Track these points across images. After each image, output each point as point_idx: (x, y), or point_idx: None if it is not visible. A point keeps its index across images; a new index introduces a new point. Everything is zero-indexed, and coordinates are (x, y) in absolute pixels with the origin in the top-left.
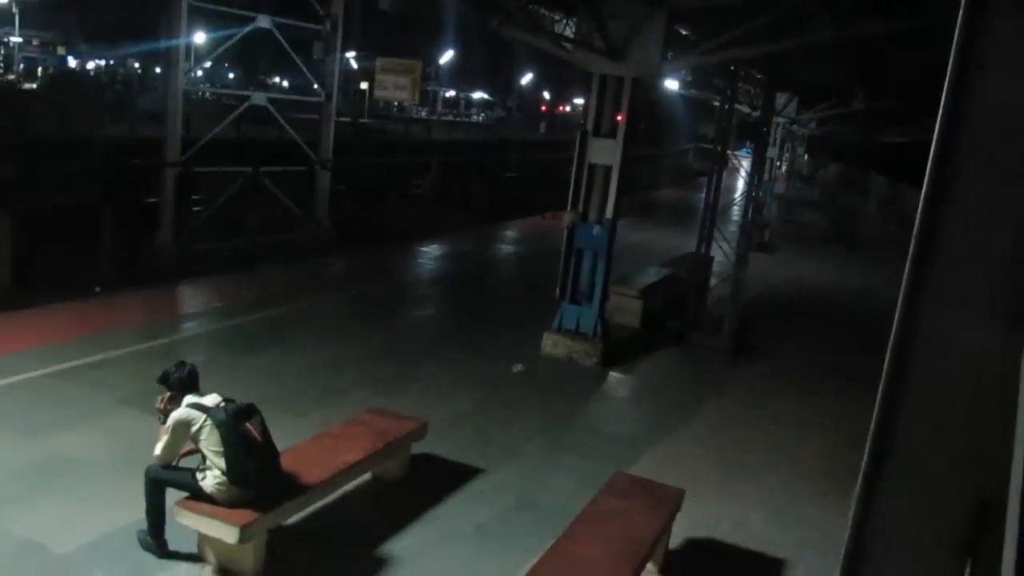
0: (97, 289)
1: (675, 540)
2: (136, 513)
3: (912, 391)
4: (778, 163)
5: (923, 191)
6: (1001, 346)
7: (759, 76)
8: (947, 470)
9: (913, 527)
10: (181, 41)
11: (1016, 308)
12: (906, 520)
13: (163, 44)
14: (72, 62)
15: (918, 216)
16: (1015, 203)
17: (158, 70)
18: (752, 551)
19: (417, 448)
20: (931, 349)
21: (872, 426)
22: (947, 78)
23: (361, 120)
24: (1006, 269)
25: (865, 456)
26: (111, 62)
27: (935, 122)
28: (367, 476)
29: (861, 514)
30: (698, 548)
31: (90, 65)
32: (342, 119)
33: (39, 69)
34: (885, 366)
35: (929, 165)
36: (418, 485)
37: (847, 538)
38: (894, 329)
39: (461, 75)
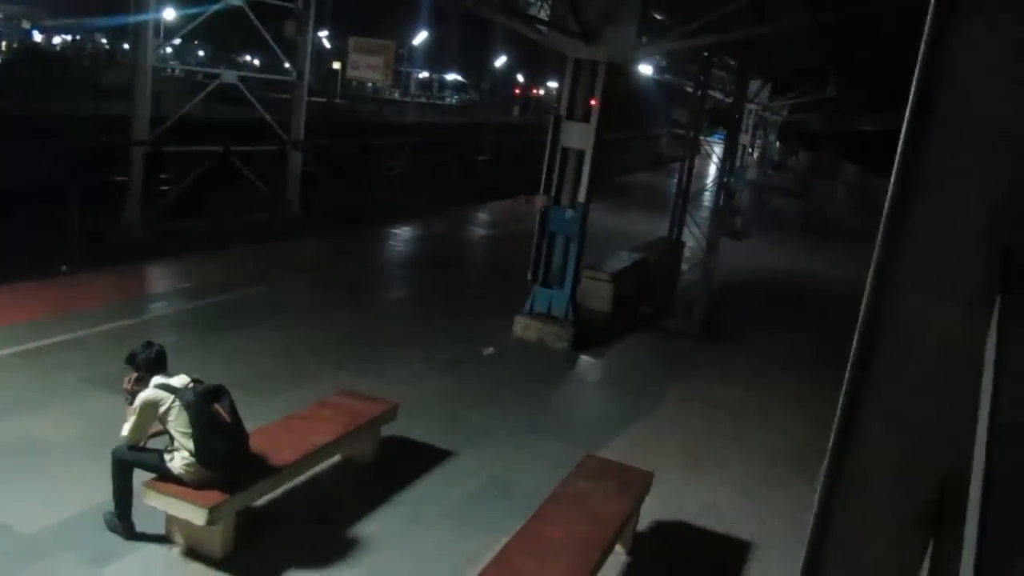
0: (63, 268)
1: (644, 522)
2: (103, 495)
3: (878, 373)
4: (750, 150)
5: (892, 177)
6: (966, 328)
7: (732, 62)
8: (911, 450)
9: (877, 505)
10: (150, 16)
11: (981, 291)
12: (871, 499)
13: (131, 19)
14: (37, 36)
15: (887, 202)
16: (983, 189)
17: (126, 46)
18: (720, 533)
19: (388, 430)
20: (897, 332)
21: (839, 407)
22: (917, 64)
23: (335, 100)
24: (972, 253)
25: (832, 436)
26: (78, 37)
27: (906, 110)
28: (337, 458)
29: (827, 494)
30: (666, 530)
31: (56, 40)
32: (317, 99)
33: (2, 44)
34: (852, 348)
35: (899, 152)
36: (388, 467)
37: (813, 517)
38: (861, 313)
39: (435, 57)
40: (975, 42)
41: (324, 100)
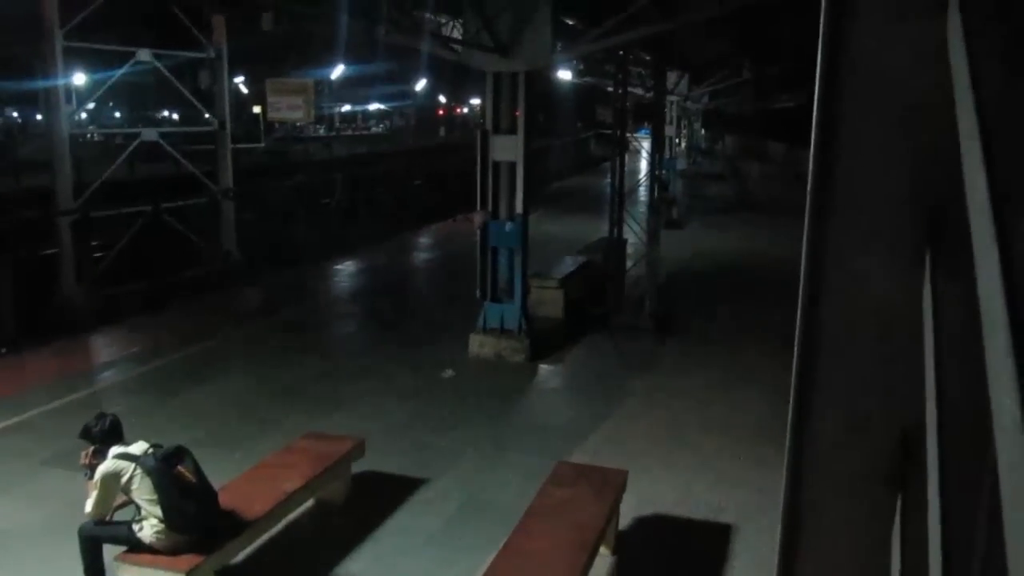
0: (2, 351)
1: (624, 521)
2: (76, 575)
3: (825, 342)
4: (677, 140)
5: (811, 148)
6: (903, 286)
7: (648, 57)
8: (868, 409)
9: (844, 465)
10: (60, 82)
11: (914, 248)
12: (836, 460)
13: (40, 86)
14: None
15: (810, 173)
16: (902, 147)
17: (39, 117)
18: (699, 520)
19: (358, 467)
20: (838, 300)
21: (793, 377)
22: (820, 32)
23: (258, 144)
24: (901, 211)
25: (790, 406)
26: None
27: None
28: (310, 502)
29: (792, 463)
30: (648, 525)
31: None
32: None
33: None
34: (797, 321)
35: (814, 122)
36: (363, 504)
37: (783, 490)
38: (801, 286)
39: (355, 88)
40: (870, 10)
41: (250, 146)
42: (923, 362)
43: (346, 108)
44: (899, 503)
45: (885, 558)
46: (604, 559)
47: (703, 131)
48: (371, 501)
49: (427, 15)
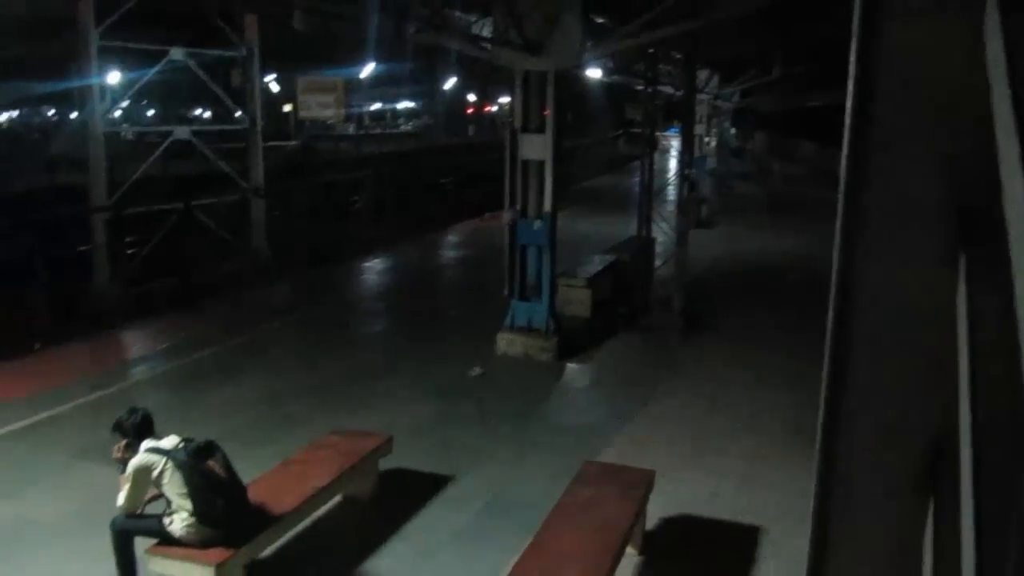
0: (37, 346)
1: (651, 521)
2: (106, 567)
3: (857, 342)
4: (707, 139)
5: (844, 147)
6: (936, 286)
7: (678, 56)
8: (900, 413)
9: (875, 470)
10: (95, 81)
11: (948, 249)
12: (867, 465)
13: (76, 85)
14: None
15: (843, 172)
16: (936, 146)
17: (74, 115)
18: (727, 521)
19: (385, 463)
20: (869, 301)
21: (824, 380)
22: (853, 30)
23: (288, 142)
24: (935, 211)
25: (821, 408)
26: (24, 111)
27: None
28: (338, 498)
29: (824, 467)
30: (675, 525)
31: (2, 117)
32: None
33: None
34: (829, 322)
35: (847, 121)
36: (390, 501)
37: (813, 491)
38: (833, 286)
39: (384, 87)
40: (905, 8)
41: (280, 144)
42: (957, 366)
43: (376, 106)
44: (931, 508)
45: (916, 564)
46: (631, 559)
47: (733, 130)
48: (398, 498)
49: (457, 13)
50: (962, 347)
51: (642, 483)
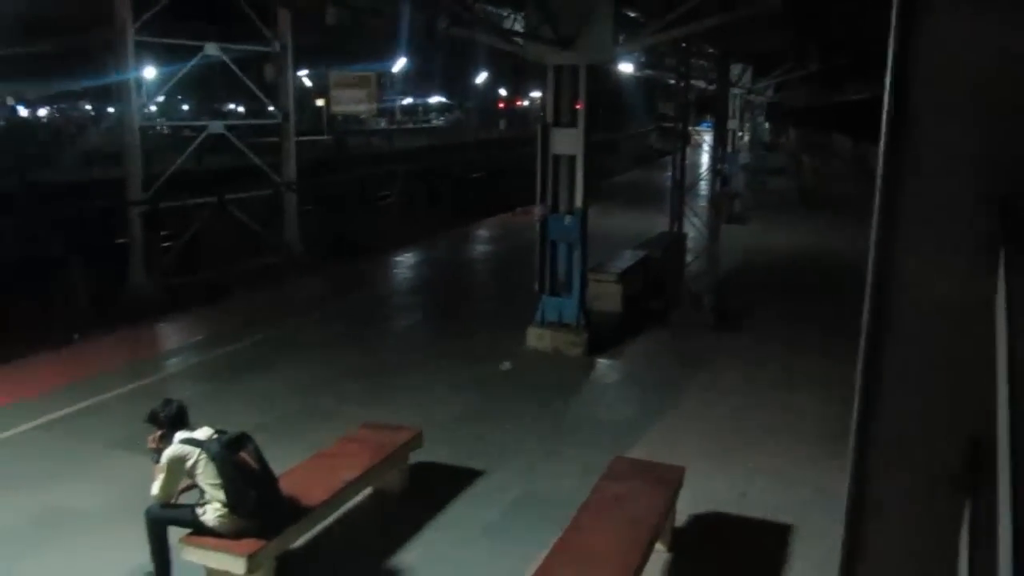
0: (75, 337)
1: (680, 517)
2: (141, 556)
3: (893, 340)
4: (740, 133)
5: (881, 142)
6: (973, 286)
7: (711, 50)
8: (935, 412)
9: (909, 467)
10: (131, 76)
11: (983, 247)
12: (901, 465)
13: (113, 80)
14: (23, 111)
15: (879, 170)
16: (974, 139)
17: (111, 109)
18: (757, 519)
19: (415, 457)
20: (906, 297)
21: (858, 378)
22: (892, 24)
23: (321, 137)
24: (973, 205)
25: (855, 408)
26: (62, 106)
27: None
28: (369, 491)
29: (858, 466)
30: (704, 522)
31: (41, 112)
32: (307, 138)
33: None
34: (864, 319)
35: (884, 115)
36: (420, 494)
37: (847, 490)
38: (868, 284)
39: (417, 82)
40: (943, 2)
41: (313, 138)
42: (995, 362)
43: (407, 101)
44: (967, 506)
45: (951, 562)
46: (660, 555)
47: (767, 124)
48: (428, 491)
49: (488, 8)
50: (1001, 342)
51: (672, 479)
